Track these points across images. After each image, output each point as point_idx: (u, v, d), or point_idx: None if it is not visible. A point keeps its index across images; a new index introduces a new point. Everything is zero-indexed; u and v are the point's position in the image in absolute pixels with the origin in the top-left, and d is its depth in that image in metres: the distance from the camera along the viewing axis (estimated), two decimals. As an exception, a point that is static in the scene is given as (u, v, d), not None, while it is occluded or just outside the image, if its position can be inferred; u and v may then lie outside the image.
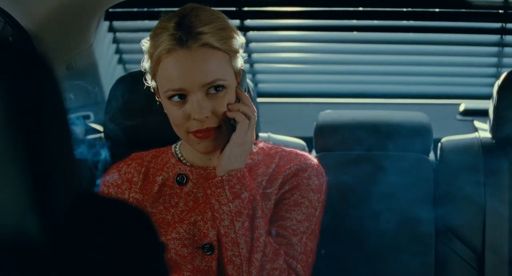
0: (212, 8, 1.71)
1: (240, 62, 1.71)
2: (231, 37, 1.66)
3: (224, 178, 1.64)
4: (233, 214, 1.63)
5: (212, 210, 1.65)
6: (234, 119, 1.66)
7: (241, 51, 1.71)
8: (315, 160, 1.80)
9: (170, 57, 1.63)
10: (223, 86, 1.64)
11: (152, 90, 1.74)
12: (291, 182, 1.74)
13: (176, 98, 1.65)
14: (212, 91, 1.64)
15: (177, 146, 1.84)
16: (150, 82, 1.74)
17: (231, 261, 1.64)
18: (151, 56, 1.68)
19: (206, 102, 1.63)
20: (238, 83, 1.70)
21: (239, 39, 1.70)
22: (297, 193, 1.73)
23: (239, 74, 1.71)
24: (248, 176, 1.67)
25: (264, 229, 1.64)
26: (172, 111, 1.67)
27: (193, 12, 1.65)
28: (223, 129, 1.67)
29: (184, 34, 1.62)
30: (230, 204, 1.63)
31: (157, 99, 1.74)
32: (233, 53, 1.67)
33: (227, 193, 1.63)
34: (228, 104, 1.66)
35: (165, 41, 1.63)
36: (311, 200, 1.74)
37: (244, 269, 1.62)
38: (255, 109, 1.70)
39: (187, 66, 1.62)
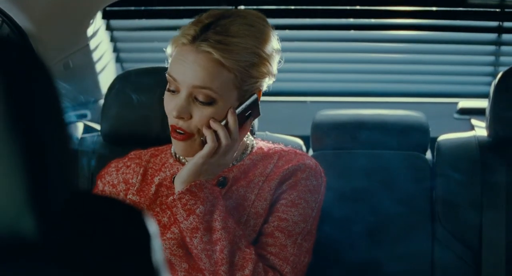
0: (270, 28, 1.68)
1: (255, 87, 1.67)
2: (252, 63, 1.63)
3: (175, 197, 1.63)
4: (189, 230, 1.62)
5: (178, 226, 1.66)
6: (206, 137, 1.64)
7: (265, 80, 1.68)
8: (313, 161, 1.78)
9: (180, 48, 1.63)
10: (212, 99, 1.62)
11: None
12: (288, 182, 1.73)
13: (171, 88, 1.65)
14: (200, 98, 1.62)
15: None
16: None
17: (200, 273, 1.64)
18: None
19: (188, 104, 1.62)
20: (237, 106, 1.66)
21: (265, 69, 1.66)
22: (294, 193, 1.72)
23: (246, 98, 1.67)
24: (207, 186, 1.64)
25: (227, 240, 1.61)
26: (165, 99, 1.68)
27: (231, 18, 1.64)
28: (195, 139, 1.66)
29: (203, 34, 1.60)
30: (185, 221, 1.62)
31: None
32: (244, 76, 1.63)
33: (181, 211, 1.62)
34: (211, 120, 1.63)
35: (186, 33, 1.63)
36: (308, 201, 1.73)
37: None
38: (237, 139, 1.66)
39: (186, 63, 1.61)
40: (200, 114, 1.62)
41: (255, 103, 1.69)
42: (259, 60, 1.65)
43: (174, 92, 1.65)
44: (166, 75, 1.66)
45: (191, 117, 1.63)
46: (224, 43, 1.60)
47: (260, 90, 1.70)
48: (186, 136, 1.65)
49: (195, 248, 1.62)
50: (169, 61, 1.69)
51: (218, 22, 1.62)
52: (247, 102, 1.67)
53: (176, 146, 1.67)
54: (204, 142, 1.65)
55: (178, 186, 1.65)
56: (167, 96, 1.67)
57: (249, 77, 1.64)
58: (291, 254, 1.68)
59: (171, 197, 1.64)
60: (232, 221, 1.64)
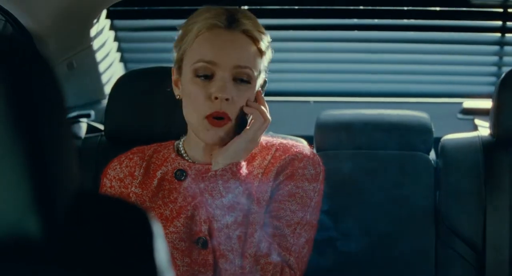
0: None
1: (264, 71, 1.73)
2: (267, 47, 1.71)
3: (218, 172, 1.63)
4: (225, 208, 1.62)
5: (206, 204, 1.65)
6: (247, 116, 1.67)
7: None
8: (311, 150, 1.79)
9: (209, 32, 1.65)
10: (250, 79, 1.66)
11: (173, 76, 1.75)
12: (285, 172, 1.73)
13: (202, 77, 1.64)
14: (239, 81, 1.65)
15: (180, 142, 1.83)
16: (174, 67, 1.74)
17: (223, 255, 1.63)
18: (188, 32, 1.68)
19: (232, 86, 1.64)
20: (261, 89, 1.72)
21: (269, 56, 1.73)
22: (291, 183, 1.72)
23: (263, 81, 1.73)
24: (245, 170, 1.66)
25: (259, 224, 1.63)
26: (195, 89, 1.65)
27: (242, 9, 1.73)
28: (234, 124, 1.66)
29: (229, 17, 1.65)
30: (223, 199, 1.62)
31: (175, 91, 1.74)
32: (266, 56, 1.71)
33: (220, 188, 1.62)
34: (247, 101, 1.66)
35: (209, 18, 1.65)
36: (306, 190, 1.72)
37: (237, 263, 1.61)
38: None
39: (225, 44, 1.64)
40: (241, 94, 1.65)
41: (265, 88, 1.75)
42: (267, 40, 1.71)
43: (207, 77, 1.65)
44: (198, 63, 1.64)
45: (233, 100, 1.65)
46: (250, 23, 1.66)
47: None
48: (226, 121, 1.65)
49: (228, 227, 1.61)
50: (187, 56, 1.68)
51: (238, 10, 1.69)
52: (265, 87, 1.75)
53: (214, 134, 1.66)
54: (244, 125, 1.67)
55: (217, 164, 1.65)
56: (198, 84, 1.65)
57: (267, 60, 1.71)
58: (292, 244, 1.69)
59: (212, 172, 1.63)
60: (261, 209, 1.66)
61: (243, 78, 1.65)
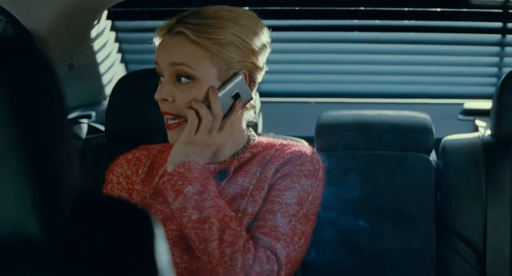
0: (258, 22, 1.72)
1: (237, 68, 1.68)
2: (228, 42, 1.66)
3: (165, 179, 1.65)
4: (179, 210, 1.63)
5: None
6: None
7: (248, 63, 1.69)
8: (310, 148, 1.79)
9: (161, 39, 1.70)
10: (191, 76, 1.65)
11: None
12: (283, 169, 1.73)
13: (159, 74, 1.69)
14: (180, 79, 1.66)
15: None
16: None
17: (192, 253, 1.66)
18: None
19: (170, 86, 1.66)
20: (220, 86, 1.67)
21: (247, 50, 1.68)
22: (288, 178, 1.72)
23: (229, 78, 1.68)
24: (197, 167, 1.66)
25: (216, 218, 1.62)
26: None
27: (208, 8, 1.69)
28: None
29: (175, 22, 1.68)
30: (174, 202, 1.64)
31: None
32: (222, 54, 1.66)
33: (170, 193, 1.64)
34: (192, 99, 1.66)
35: (162, 27, 1.70)
36: (303, 185, 1.72)
37: (204, 259, 1.63)
38: (220, 114, 1.67)
39: (166, 46, 1.67)
40: (182, 94, 1.66)
41: (241, 84, 1.69)
42: (238, 40, 1.68)
43: (161, 79, 1.69)
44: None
45: (174, 100, 1.66)
46: (196, 23, 1.66)
47: (245, 73, 1.70)
48: (177, 124, 1.67)
49: (185, 228, 1.63)
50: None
51: (196, 11, 1.69)
52: (230, 82, 1.67)
53: (170, 136, 1.70)
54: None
55: (169, 168, 1.67)
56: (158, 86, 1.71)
57: (227, 56, 1.67)
58: (282, 234, 1.68)
59: (162, 180, 1.66)
60: (223, 202, 1.66)
61: (182, 75, 1.66)
